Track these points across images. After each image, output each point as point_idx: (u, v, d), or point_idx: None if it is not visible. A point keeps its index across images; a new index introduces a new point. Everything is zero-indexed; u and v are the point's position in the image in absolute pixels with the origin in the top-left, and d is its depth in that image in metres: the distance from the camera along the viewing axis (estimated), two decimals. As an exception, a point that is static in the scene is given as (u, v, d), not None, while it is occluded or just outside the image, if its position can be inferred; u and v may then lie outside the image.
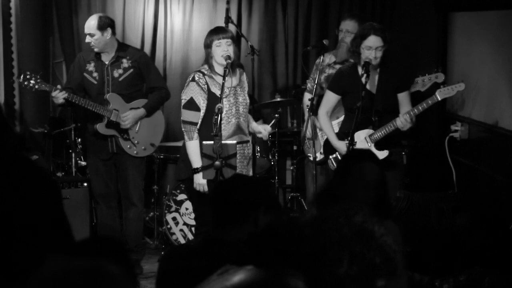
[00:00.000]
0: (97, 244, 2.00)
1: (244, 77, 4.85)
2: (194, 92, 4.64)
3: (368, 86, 4.73)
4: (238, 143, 4.64)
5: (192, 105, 4.64)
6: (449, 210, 4.93)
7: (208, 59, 4.68)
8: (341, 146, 4.84)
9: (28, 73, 5.13)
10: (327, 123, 4.99)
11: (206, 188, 4.60)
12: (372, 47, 4.70)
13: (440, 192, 5.47)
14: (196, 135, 4.63)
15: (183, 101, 4.69)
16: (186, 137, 4.66)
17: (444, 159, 5.78)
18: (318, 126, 5.39)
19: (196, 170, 4.60)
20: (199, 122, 4.65)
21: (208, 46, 4.64)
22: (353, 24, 5.39)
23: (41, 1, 6.34)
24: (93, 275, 1.37)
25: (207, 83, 4.64)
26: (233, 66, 4.68)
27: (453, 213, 4.93)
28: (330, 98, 4.99)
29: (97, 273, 1.37)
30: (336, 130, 5.12)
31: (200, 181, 4.60)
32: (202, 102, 4.63)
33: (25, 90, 5.90)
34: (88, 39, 5.25)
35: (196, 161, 4.61)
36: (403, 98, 4.84)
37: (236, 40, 5.16)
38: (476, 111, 5.68)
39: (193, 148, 4.62)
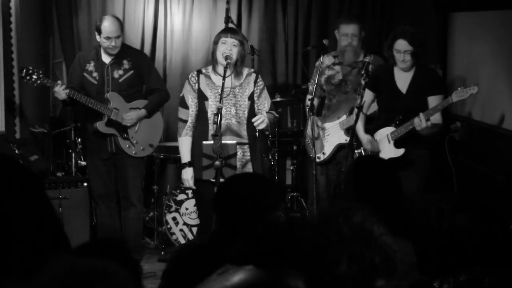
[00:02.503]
0: (101, 246, 2.01)
1: (251, 78, 4.77)
2: (185, 90, 4.76)
3: (399, 85, 4.88)
4: None
5: (183, 103, 4.77)
6: (449, 210, 4.93)
7: (212, 55, 4.70)
8: (365, 139, 5.04)
9: (30, 68, 5.14)
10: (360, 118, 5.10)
11: (191, 183, 4.70)
12: (400, 51, 4.81)
13: (440, 192, 5.47)
14: (185, 131, 4.73)
15: (180, 99, 4.85)
16: (178, 134, 4.79)
17: (444, 159, 5.78)
18: (319, 126, 5.42)
19: (184, 165, 4.72)
20: (190, 120, 4.72)
21: (215, 42, 4.68)
22: (357, 27, 5.44)
23: (41, 1, 6.32)
24: (100, 276, 1.37)
25: (198, 82, 4.71)
26: (236, 67, 4.68)
27: (453, 213, 4.93)
28: (366, 95, 5.03)
29: (105, 274, 1.37)
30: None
31: (185, 176, 4.72)
32: (190, 101, 4.72)
33: (25, 89, 5.89)
34: (114, 42, 5.18)
35: (183, 156, 4.75)
36: (433, 102, 4.85)
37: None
38: (476, 111, 5.69)
39: (181, 144, 4.77)
